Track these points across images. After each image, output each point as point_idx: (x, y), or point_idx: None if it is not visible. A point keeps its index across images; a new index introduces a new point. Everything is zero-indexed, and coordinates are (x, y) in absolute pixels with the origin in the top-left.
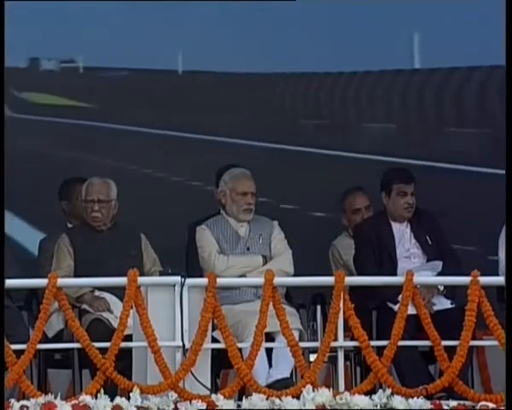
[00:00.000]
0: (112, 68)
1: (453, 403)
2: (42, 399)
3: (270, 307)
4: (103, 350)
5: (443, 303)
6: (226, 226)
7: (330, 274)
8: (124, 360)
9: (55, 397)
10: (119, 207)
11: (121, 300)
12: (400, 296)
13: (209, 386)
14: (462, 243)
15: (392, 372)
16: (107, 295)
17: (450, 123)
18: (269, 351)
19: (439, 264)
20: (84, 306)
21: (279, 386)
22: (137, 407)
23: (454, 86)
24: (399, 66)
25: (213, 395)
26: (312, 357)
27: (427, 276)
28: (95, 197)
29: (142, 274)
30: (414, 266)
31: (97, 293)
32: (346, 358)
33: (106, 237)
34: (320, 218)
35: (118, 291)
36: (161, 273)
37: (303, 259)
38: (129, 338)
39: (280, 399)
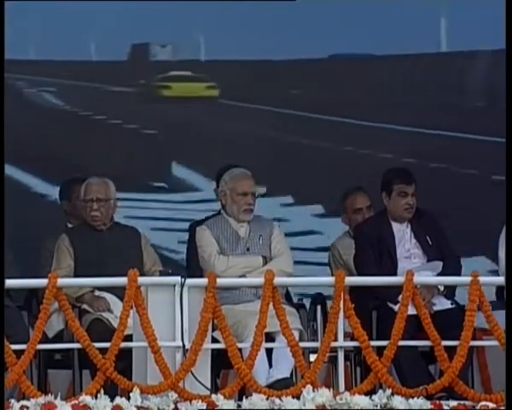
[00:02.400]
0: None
1: (453, 403)
2: (42, 399)
3: (270, 307)
4: (103, 350)
5: (443, 303)
6: (226, 226)
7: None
8: (124, 360)
9: (55, 397)
10: None
11: (121, 300)
12: (400, 296)
13: (209, 386)
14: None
15: (392, 372)
16: (108, 295)
17: None
18: (269, 351)
19: (439, 264)
20: (85, 306)
21: (279, 386)
22: (137, 407)
23: None
24: None
25: (213, 395)
26: (312, 357)
27: (428, 276)
28: (93, 196)
29: (142, 273)
30: (414, 266)
31: (97, 293)
32: (346, 358)
33: (106, 237)
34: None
35: (118, 291)
36: (161, 273)
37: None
38: (129, 338)
39: (280, 399)
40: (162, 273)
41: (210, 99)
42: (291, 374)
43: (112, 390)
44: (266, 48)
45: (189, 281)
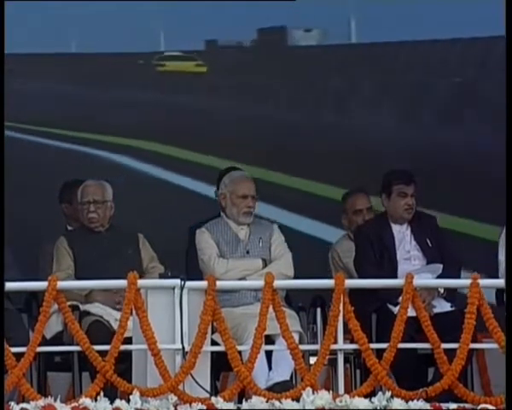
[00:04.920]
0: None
1: (453, 406)
2: (42, 402)
3: (270, 309)
4: (103, 353)
5: (443, 306)
6: (226, 229)
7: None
8: (124, 362)
9: (55, 400)
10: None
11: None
12: (400, 298)
13: (209, 389)
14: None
15: (389, 374)
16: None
17: None
18: (268, 354)
19: (439, 266)
20: (87, 306)
21: (279, 389)
22: None
23: None
24: None
25: (213, 398)
26: (312, 360)
27: (428, 278)
28: (90, 198)
29: (140, 272)
30: (414, 268)
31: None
32: (346, 360)
33: (104, 238)
34: None
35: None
36: (161, 276)
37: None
38: (129, 341)
39: (280, 401)
40: (162, 276)
41: (199, 74)
42: (291, 377)
43: (111, 393)
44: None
45: (189, 284)
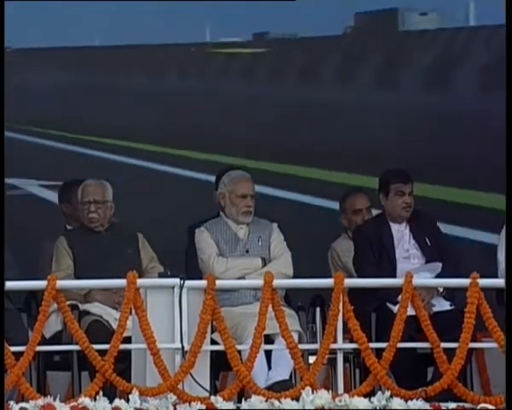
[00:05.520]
0: None
1: (452, 405)
2: (41, 401)
3: (270, 309)
4: (103, 352)
5: (442, 304)
6: (225, 228)
7: (329, 276)
8: (123, 361)
9: (55, 399)
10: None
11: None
12: (399, 297)
13: (208, 388)
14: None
15: (389, 374)
16: (99, 305)
17: None
18: (268, 353)
19: (438, 265)
20: (86, 306)
21: (278, 388)
22: (136, 409)
23: None
24: None
25: (212, 397)
26: (312, 359)
27: (427, 277)
28: (90, 198)
29: (139, 272)
30: (413, 267)
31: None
32: (346, 360)
33: (103, 238)
34: None
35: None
36: (160, 275)
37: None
38: (128, 340)
39: (279, 401)
40: (161, 275)
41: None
42: (290, 376)
43: (111, 392)
44: None
45: (189, 283)
